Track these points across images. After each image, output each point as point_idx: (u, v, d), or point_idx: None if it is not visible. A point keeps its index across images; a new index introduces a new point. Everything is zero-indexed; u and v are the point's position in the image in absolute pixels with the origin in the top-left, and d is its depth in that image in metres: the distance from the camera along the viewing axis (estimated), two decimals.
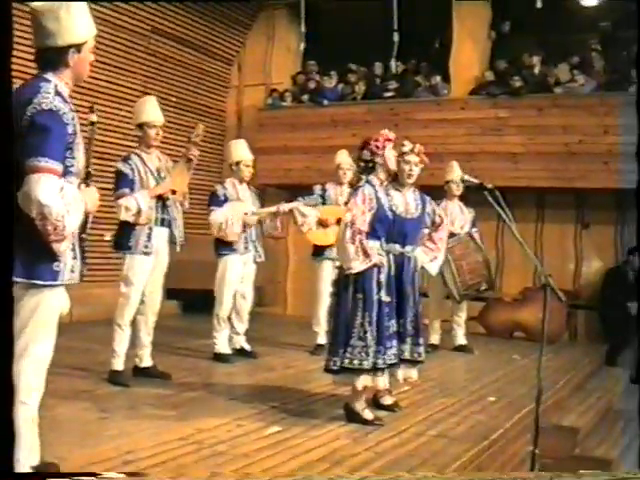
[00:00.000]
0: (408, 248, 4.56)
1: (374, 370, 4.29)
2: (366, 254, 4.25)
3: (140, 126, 5.37)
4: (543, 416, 5.30)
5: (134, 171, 5.20)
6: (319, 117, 10.39)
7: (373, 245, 4.35)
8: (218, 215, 6.20)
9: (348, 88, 10.56)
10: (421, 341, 4.67)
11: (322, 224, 6.61)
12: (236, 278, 6.35)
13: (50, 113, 2.74)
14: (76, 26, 2.86)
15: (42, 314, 2.82)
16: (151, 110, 5.39)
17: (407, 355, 4.55)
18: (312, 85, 10.76)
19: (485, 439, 4.34)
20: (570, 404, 6.24)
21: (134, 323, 5.37)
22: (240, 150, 6.42)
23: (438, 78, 9.84)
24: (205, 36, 10.81)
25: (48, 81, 2.83)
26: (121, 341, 5.24)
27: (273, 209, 6.44)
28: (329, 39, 10.85)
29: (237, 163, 6.36)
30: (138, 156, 5.30)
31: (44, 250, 2.75)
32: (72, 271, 2.90)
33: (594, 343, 9.00)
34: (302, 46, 9.32)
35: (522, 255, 9.46)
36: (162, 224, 5.37)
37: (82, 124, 2.97)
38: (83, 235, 2.97)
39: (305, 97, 10.61)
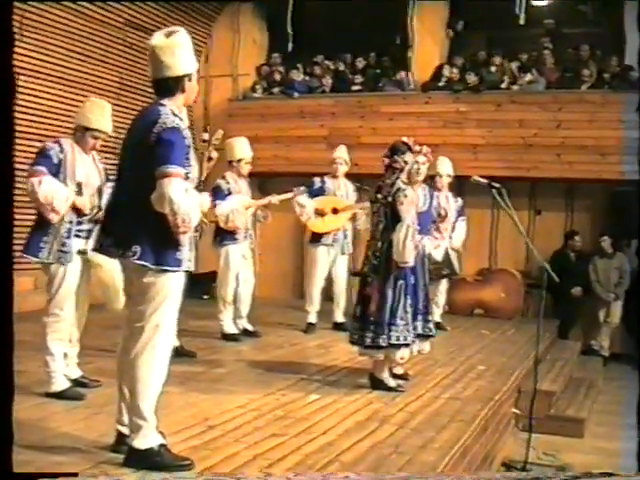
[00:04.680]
0: (419, 237, 5.23)
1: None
2: (417, 249, 4.91)
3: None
4: (523, 382, 6.13)
5: None
6: (288, 108, 10.91)
7: None
8: (224, 207, 6.70)
9: (316, 81, 11.10)
10: (430, 317, 5.35)
11: (319, 213, 7.24)
12: (237, 264, 6.87)
13: (173, 130, 3.29)
14: (189, 59, 3.42)
15: (171, 297, 3.36)
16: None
17: (420, 330, 5.21)
18: (277, 77, 11.28)
19: (491, 400, 5.05)
20: (540, 372, 7.00)
21: None
22: (243, 148, 6.91)
23: (403, 73, 10.48)
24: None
25: (164, 105, 3.38)
26: None
27: (266, 200, 7.02)
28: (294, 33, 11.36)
29: (239, 160, 6.85)
30: None
31: (170, 242, 3.30)
32: (189, 260, 3.44)
33: (544, 319, 9.86)
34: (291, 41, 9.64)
35: (477, 239, 10.44)
36: None
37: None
38: (196, 234, 3.54)
39: (276, 89, 11.10)
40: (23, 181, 8.46)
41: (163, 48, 3.35)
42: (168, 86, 3.39)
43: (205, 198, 3.58)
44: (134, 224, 3.29)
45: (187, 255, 3.39)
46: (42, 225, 4.43)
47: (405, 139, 5.19)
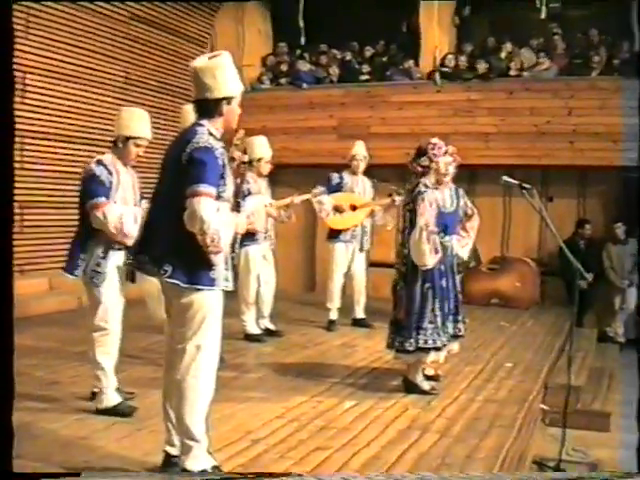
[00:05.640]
0: (447, 238, 5.20)
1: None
2: (437, 251, 4.88)
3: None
4: (549, 377, 6.12)
5: None
6: (297, 99, 10.85)
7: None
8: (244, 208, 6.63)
9: (322, 71, 11.01)
10: (460, 317, 5.33)
11: (337, 210, 7.21)
12: (258, 265, 6.82)
13: (205, 149, 3.26)
14: (228, 82, 3.38)
15: (210, 317, 3.34)
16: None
17: (450, 331, 5.20)
18: (284, 67, 11.19)
19: (525, 401, 5.05)
20: (562, 365, 7.01)
21: None
22: (263, 147, 6.81)
23: (411, 62, 10.39)
24: (177, 19, 11.03)
25: (202, 125, 3.36)
26: None
27: (288, 201, 6.93)
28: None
29: (259, 159, 6.75)
30: None
31: (202, 261, 3.28)
32: (226, 280, 3.40)
33: (558, 307, 9.86)
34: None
35: (489, 228, 10.40)
36: None
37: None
38: (233, 254, 3.49)
39: (283, 80, 11.01)
40: (35, 182, 8.35)
41: (203, 69, 3.33)
42: (207, 107, 3.37)
43: (241, 218, 3.51)
44: (167, 243, 3.30)
45: (222, 274, 3.36)
46: (81, 243, 4.40)
47: (434, 140, 5.14)
